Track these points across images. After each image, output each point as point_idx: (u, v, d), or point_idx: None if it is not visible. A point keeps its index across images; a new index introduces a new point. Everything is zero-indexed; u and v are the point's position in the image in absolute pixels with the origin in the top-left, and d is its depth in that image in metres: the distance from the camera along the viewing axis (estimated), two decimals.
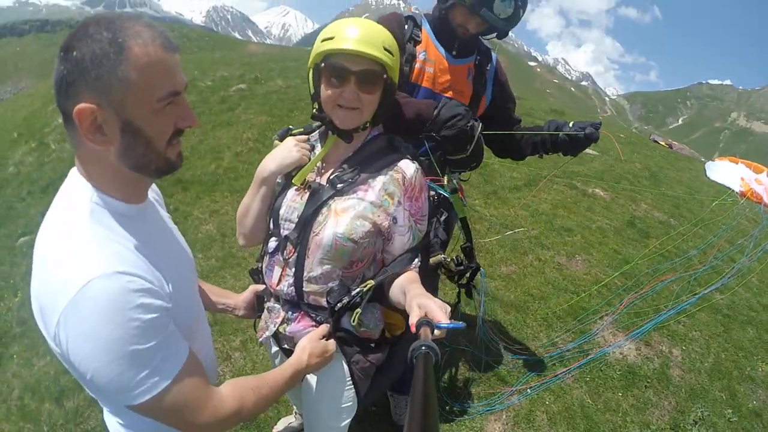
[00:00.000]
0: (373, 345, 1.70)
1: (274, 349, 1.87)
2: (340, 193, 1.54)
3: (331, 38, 1.40)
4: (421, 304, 1.22)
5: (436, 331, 1.13)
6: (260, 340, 1.77)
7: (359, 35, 1.39)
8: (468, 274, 2.43)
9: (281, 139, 1.69)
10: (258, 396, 1.26)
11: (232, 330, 3.59)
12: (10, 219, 6.18)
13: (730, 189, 8.21)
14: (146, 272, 1.01)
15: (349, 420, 1.81)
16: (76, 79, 0.92)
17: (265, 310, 1.77)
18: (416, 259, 1.64)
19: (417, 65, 2.20)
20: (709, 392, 3.43)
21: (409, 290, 1.42)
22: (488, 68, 2.37)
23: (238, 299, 1.84)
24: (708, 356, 3.75)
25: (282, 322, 1.68)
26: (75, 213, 1.02)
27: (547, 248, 4.97)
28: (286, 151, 1.61)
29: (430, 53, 2.22)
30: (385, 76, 1.47)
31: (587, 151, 8.52)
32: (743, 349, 3.96)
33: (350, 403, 1.76)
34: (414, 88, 2.22)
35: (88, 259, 0.95)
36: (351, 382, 1.70)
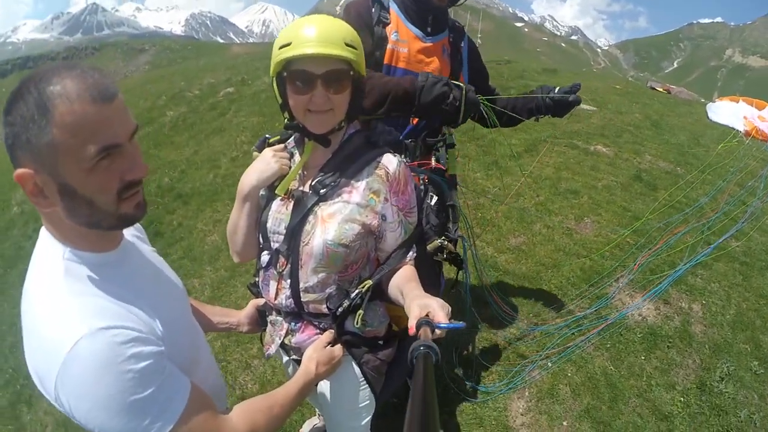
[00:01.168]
0: (381, 342, 1.69)
1: (285, 358, 1.86)
2: (324, 198, 1.49)
3: (289, 44, 1.32)
4: (422, 304, 1.19)
5: (436, 331, 1.11)
6: (266, 354, 1.74)
7: (317, 35, 1.31)
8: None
9: (260, 150, 1.63)
10: (269, 416, 1.27)
11: (249, 339, 3.56)
12: (20, 259, 6.13)
13: (734, 129, 8.04)
14: (132, 321, 0.99)
15: (369, 417, 1.82)
16: (13, 143, 0.90)
17: (269, 324, 1.75)
18: (410, 252, 1.63)
19: (389, 46, 2.13)
20: (733, 345, 3.35)
21: (407, 292, 1.40)
22: (462, 45, 2.33)
23: (240, 316, 1.81)
24: (729, 308, 3.66)
25: (286, 334, 1.66)
26: (50, 274, 1.00)
27: (555, 214, 4.87)
28: (264, 164, 1.55)
29: (401, 33, 2.15)
30: (352, 72, 1.40)
31: (584, 107, 8.41)
32: (764, 297, 3.85)
33: (367, 402, 1.76)
34: (390, 70, 2.16)
35: (70, 321, 0.93)
36: (365, 382, 1.69)
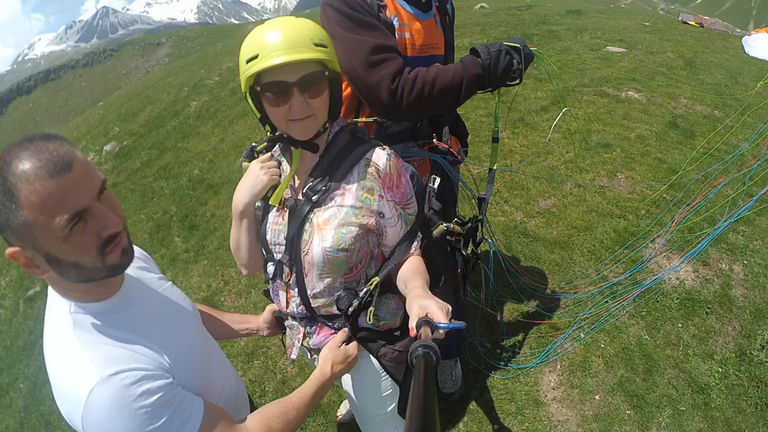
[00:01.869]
0: (397, 333, 1.72)
1: (309, 356, 1.90)
2: (317, 204, 1.49)
3: (256, 56, 1.28)
4: (422, 304, 1.21)
5: (438, 331, 1.13)
6: (291, 358, 1.78)
7: (283, 41, 1.27)
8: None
9: (249, 160, 1.62)
10: (285, 421, 1.35)
11: None
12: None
13: None
14: (138, 361, 1.10)
15: (394, 404, 1.88)
16: None
17: (287, 328, 1.80)
18: (414, 243, 1.63)
19: (396, 35, 1.91)
20: None
21: (410, 289, 1.41)
22: (448, 7, 2.18)
23: (259, 321, 1.89)
24: None
25: (304, 337, 1.71)
26: (62, 328, 1.11)
27: (586, 171, 4.68)
28: (253, 178, 1.54)
29: (401, 17, 1.93)
30: (327, 72, 1.36)
31: (612, 49, 7.95)
32: None
33: (390, 391, 1.82)
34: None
35: (83, 372, 1.04)
36: (385, 373, 1.74)
